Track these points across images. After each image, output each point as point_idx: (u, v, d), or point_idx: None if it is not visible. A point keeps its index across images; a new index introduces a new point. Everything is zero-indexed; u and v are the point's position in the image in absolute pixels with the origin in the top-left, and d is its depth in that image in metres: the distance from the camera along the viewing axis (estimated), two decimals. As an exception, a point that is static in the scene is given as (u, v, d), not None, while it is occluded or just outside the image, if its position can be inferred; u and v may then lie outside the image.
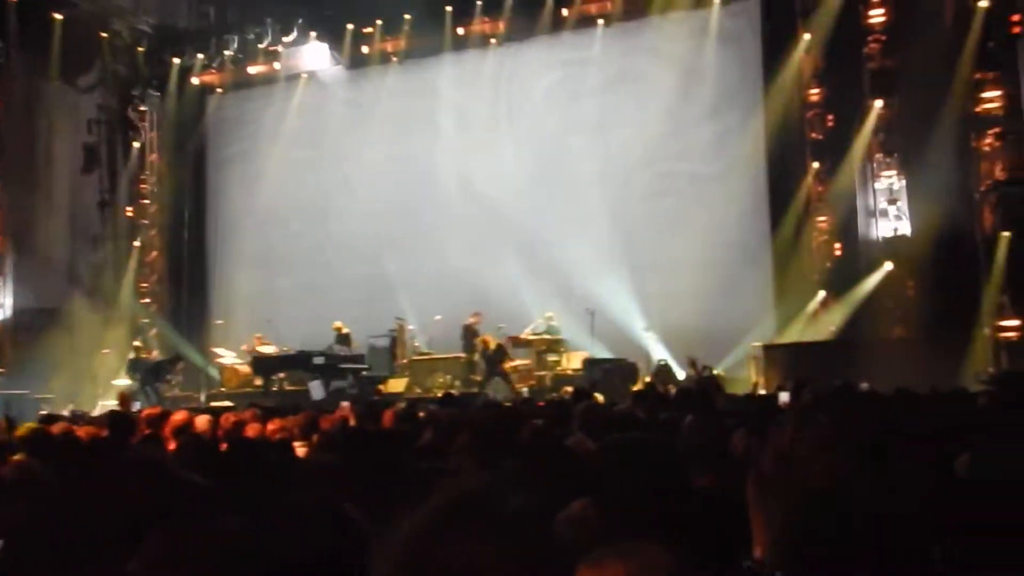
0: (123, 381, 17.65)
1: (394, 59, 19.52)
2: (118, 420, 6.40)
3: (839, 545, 1.88)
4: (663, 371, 13.69)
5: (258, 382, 16.67)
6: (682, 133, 16.69)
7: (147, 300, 20.46)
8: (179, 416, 7.00)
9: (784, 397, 7.19)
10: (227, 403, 15.18)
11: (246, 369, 17.52)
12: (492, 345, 15.18)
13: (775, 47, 16.16)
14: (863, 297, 13.94)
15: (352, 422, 7.12)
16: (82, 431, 6.52)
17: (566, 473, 3.12)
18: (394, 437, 5.45)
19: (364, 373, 15.70)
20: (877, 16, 15.03)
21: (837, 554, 1.90)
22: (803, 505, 1.98)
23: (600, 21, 17.85)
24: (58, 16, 18.22)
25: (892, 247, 14.33)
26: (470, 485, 1.14)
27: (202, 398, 17.33)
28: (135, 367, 17.25)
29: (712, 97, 16.66)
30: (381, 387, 15.83)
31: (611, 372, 13.54)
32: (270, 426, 6.72)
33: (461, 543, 1.07)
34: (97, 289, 18.64)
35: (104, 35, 19.19)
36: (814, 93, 15.80)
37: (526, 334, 15.93)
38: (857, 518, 1.86)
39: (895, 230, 14.52)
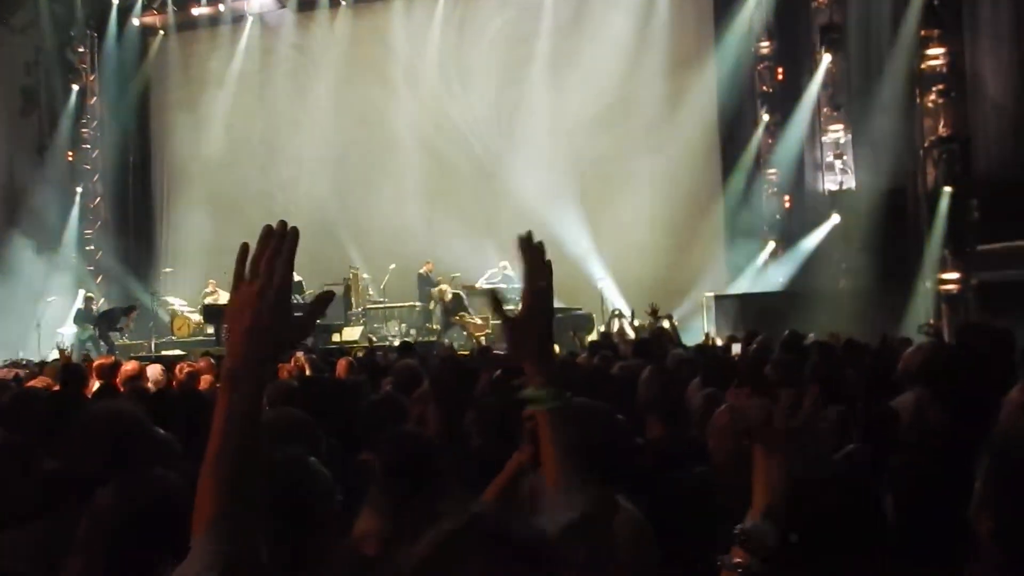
0: (71, 329, 17.38)
1: (343, 2, 19.16)
2: (70, 371, 6.32)
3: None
4: (617, 320, 13.82)
5: (210, 330, 16.51)
6: (635, 83, 16.76)
7: (92, 247, 20.04)
8: (131, 366, 6.95)
9: (736, 349, 7.34)
10: (178, 351, 15.10)
11: (197, 317, 17.36)
12: (448, 295, 15.17)
13: (725, 1, 16.21)
14: (811, 249, 14.22)
15: (307, 371, 7.12)
16: (37, 382, 6.45)
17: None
18: (351, 388, 5.49)
19: (318, 321, 15.61)
20: (826, -30, 15.11)
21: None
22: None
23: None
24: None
25: (839, 200, 14.63)
26: (480, 510, 1.18)
27: (152, 346, 17.15)
28: (85, 316, 16.98)
29: (664, 48, 16.73)
30: (336, 336, 15.75)
31: (566, 322, 13.63)
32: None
33: (474, 569, 1.11)
34: (39, 236, 18.19)
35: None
36: (764, 47, 15.94)
37: (480, 284, 15.97)
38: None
39: (841, 184, 14.80)
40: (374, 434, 3.28)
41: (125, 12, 20.03)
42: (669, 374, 4.46)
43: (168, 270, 19.71)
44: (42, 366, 8.82)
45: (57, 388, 5.98)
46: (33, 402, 4.92)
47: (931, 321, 12.07)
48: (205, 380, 6.83)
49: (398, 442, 2.69)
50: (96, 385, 6.46)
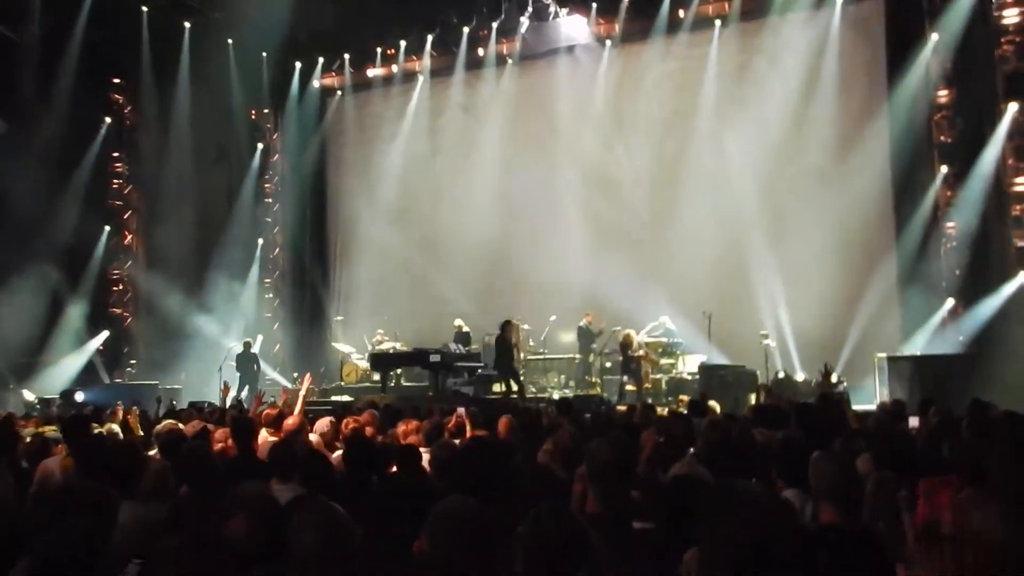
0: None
1: (509, 61, 19.68)
2: (241, 426, 6.66)
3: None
4: (783, 383, 13.36)
5: (376, 377, 17.05)
6: (804, 135, 16.34)
7: (270, 295, 21.19)
8: (294, 420, 7.20)
9: (913, 422, 6.90)
10: (347, 397, 15.67)
11: (365, 364, 17.96)
12: (634, 344, 14.98)
13: (901, 48, 15.73)
14: (996, 308, 13.32)
15: (468, 427, 7.23)
16: (220, 435, 6.83)
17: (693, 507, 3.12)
18: (512, 451, 5.52)
19: (480, 372, 15.90)
20: (1012, 16, 14.38)
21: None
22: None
23: (717, 22, 17.60)
24: (187, 24, 19.12)
25: (1027, 256, 13.67)
26: None
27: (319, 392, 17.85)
28: (246, 358, 17.82)
29: (835, 98, 16.26)
30: (496, 386, 15.93)
31: (728, 379, 13.33)
32: (401, 428, 6.92)
33: None
34: (224, 284, 19.37)
35: (230, 41, 19.94)
36: (942, 95, 15.25)
37: (642, 337, 15.84)
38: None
39: (1029, 239, 13.82)
40: (526, 507, 3.30)
41: (307, 74, 21.30)
42: (845, 458, 4.26)
43: (339, 318, 20.59)
44: (222, 414, 9.30)
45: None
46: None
47: None
48: (368, 432, 7.04)
49: (544, 521, 2.65)
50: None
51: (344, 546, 2.72)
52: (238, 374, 17.51)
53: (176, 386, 17.65)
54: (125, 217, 20.06)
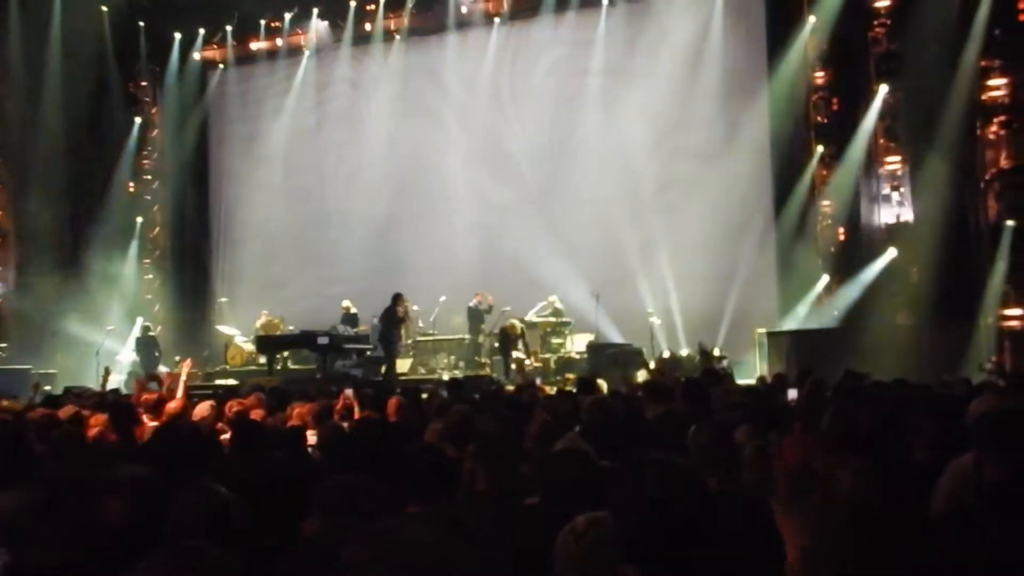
0: (128, 357, 17.76)
1: (397, 37, 19.42)
2: (120, 410, 6.41)
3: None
4: (668, 361, 13.67)
5: (262, 360, 16.71)
6: (688, 115, 16.66)
7: (150, 276, 20.45)
8: (176, 404, 7.00)
9: (792, 394, 7.18)
10: (232, 381, 15.31)
11: (250, 347, 17.58)
12: (518, 330, 15.07)
13: (780, 29, 16.12)
14: (867, 283, 13.94)
15: (356, 410, 7.15)
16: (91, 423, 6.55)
17: (578, 480, 3.16)
18: (402, 432, 5.50)
19: (368, 353, 15.73)
20: (883, 0, 14.92)
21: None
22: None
23: (604, 1, 17.73)
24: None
25: (895, 233, 14.35)
26: None
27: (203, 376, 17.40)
28: (145, 343, 17.32)
29: (717, 79, 16.62)
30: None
31: (615, 357, 13.55)
32: (289, 410, 6.81)
33: None
34: (101, 265, 18.59)
35: (105, 8, 19.06)
36: (819, 76, 15.75)
37: (530, 317, 15.98)
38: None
39: (898, 216, 14.51)
40: (415, 485, 3.29)
41: (187, 47, 20.57)
42: (719, 426, 4.38)
43: (224, 299, 20.05)
44: (103, 398, 8.96)
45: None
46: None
47: (993, 358, 11.79)
48: (256, 415, 6.88)
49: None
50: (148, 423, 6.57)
51: (229, 527, 2.65)
52: (137, 359, 16.96)
53: (51, 371, 16.87)
54: (-9, 194, 18.97)
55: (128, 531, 2.69)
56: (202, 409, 6.88)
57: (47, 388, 13.59)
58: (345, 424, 5.91)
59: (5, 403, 8.96)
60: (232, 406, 6.98)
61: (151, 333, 17.75)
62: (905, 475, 3.73)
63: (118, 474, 2.89)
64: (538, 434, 4.96)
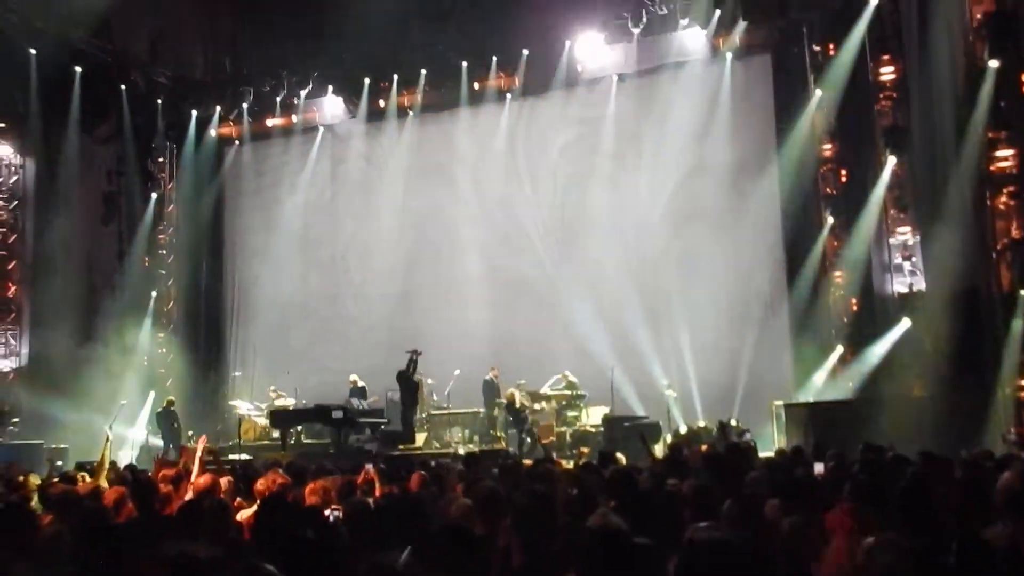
0: (141, 432, 17.69)
1: (410, 113, 19.76)
2: (140, 487, 6.38)
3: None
4: (686, 436, 13.57)
5: (275, 435, 16.61)
6: (699, 188, 16.86)
7: (163, 350, 20.47)
8: (205, 480, 6.95)
9: (819, 468, 7.15)
10: (246, 456, 15.17)
11: (264, 421, 17.47)
12: (518, 402, 15.07)
13: (787, 103, 16.41)
14: (881, 354, 13.87)
15: (378, 484, 7.10)
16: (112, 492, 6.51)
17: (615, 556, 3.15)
18: (423, 504, 5.48)
19: (383, 427, 15.66)
20: (888, 74, 15.20)
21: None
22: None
23: (614, 77, 18.04)
24: (78, 68, 18.57)
25: (908, 302, 14.33)
26: None
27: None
28: (167, 417, 17.24)
29: (727, 152, 16.85)
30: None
31: (632, 431, 13.44)
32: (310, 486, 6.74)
33: None
34: (114, 340, 18.64)
35: (123, 87, 19.48)
36: (827, 149, 15.96)
37: (545, 390, 15.96)
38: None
39: (911, 286, 14.52)
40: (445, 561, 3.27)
41: (203, 123, 20.94)
42: (750, 500, 4.36)
43: (237, 373, 20.04)
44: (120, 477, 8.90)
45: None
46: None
47: (1012, 429, 11.67)
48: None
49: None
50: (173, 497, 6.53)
51: None
52: (160, 432, 17.07)
53: (63, 445, 16.80)
54: (9, 268, 19.13)
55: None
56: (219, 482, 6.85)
57: (59, 464, 13.54)
58: (370, 500, 5.87)
59: (32, 478, 8.92)
60: (272, 481, 6.91)
61: (173, 408, 17.60)
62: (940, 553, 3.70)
63: (163, 551, 2.89)
64: (566, 508, 4.94)
